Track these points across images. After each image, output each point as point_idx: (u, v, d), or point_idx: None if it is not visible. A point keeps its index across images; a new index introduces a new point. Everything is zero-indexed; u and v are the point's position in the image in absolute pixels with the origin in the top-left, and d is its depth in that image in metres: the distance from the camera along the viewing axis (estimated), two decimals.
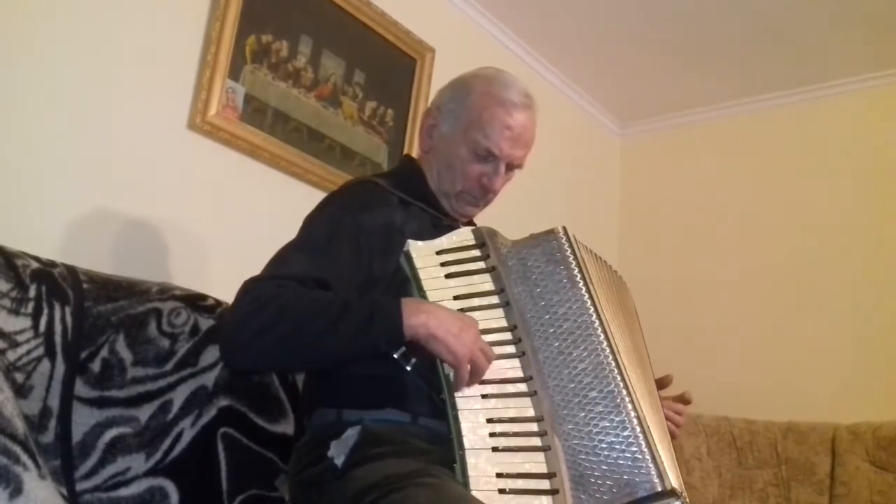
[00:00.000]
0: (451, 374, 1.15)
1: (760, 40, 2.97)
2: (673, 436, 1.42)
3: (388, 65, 2.59)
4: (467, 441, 1.13)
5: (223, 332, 1.23)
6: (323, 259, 1.23)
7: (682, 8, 2.83)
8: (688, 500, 1.18)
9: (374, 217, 1.30)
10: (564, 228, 1.31)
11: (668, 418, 1.40)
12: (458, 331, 1.12)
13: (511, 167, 1.43)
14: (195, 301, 1.59)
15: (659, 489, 1.10)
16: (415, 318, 1.13)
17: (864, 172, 3.04)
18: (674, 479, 1.14)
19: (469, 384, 1.15)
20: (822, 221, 3.09)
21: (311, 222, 1.34)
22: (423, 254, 1.27)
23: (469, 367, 1.13)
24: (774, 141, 3.32)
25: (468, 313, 1.22)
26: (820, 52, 3.00)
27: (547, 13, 2.97)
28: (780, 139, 3.31)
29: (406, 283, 1.26)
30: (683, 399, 1.48)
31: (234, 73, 2.13)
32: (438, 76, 2.66)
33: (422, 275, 1.25)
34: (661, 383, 1.44)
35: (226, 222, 2.10)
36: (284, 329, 1.13)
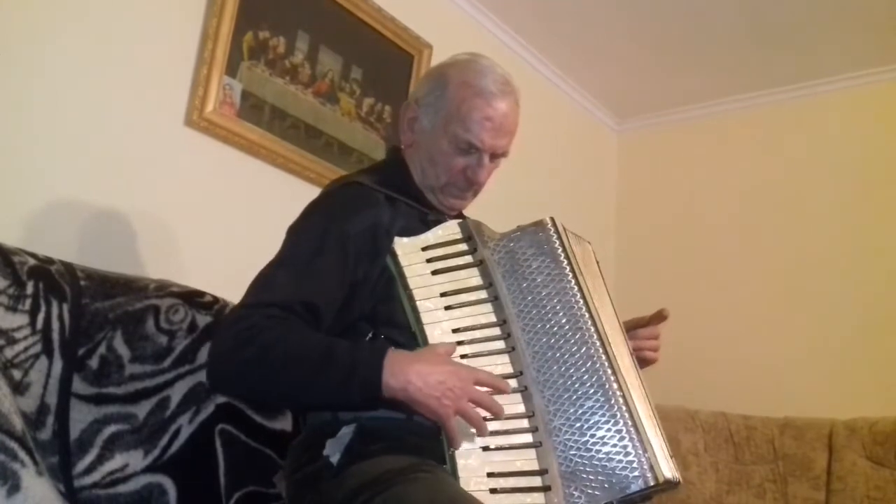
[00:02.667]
0: None
1: (758, 36, 2.97)
2: (651, 361, 1.41)
3: (386, 61, 2.59)
4: (457, 441, 1.11)
5: (208, 360, 1.22)
6: (309, 277, 1.21)
7: (679, 4, 2.83)
8: (680, 478, 1.18)
9: (361, 221, 1.27)
10: (553, 219, 1.29)
11: (642, 348, 1.39)
12: (439, 393, 1.08)
13: (496, 156, 1.40)
14: (193, 298, 1.59)
15: (651, 483, 1.10)
16: (395, 381, 1.09)
17: (862, 169, 3.04)
18: (666, 470, 1.14)
19: (477, 432, 1.11)
20: (820, 217, 3.10)
21: (296, 234, 1.31)
22: (407, 251, 1.25)
23: (453, 422, 1.09)
24: (772, 137, 3.32)
25: (456, 310, 1.20)
26: (818, 48, 3.00)
27: (544, 9, 2.96)
28: (777, 135, 3.31)
29: (392, 281, 1.24)
30: (660, 316, 1.43)
31: (231, 69, 2.12)
32: None
33: (407, 272, 1.23)
34: (640, 321, 1.43)
35: (223, 219, 2.10)
36: (265, 372, 1.13)
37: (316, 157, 2.32)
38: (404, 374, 1.09)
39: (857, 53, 3.00)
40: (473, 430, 1.11)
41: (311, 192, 2.22)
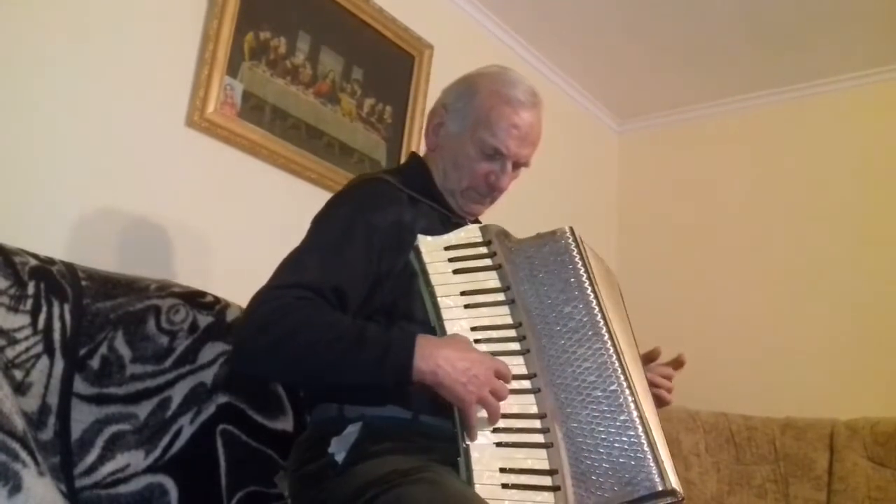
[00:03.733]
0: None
1: (758, 37, 2.97)
2: (664, 402, 1.41)
3: (387, 61, 2.59)
4: (475, 429, 1.13)
5: (236, 336, 1.25)
6: (337, 263, 1.24)
7: (680, 5, 2.83)
8: (683, 498, 1.18)
9: (386, 215, 1.31)
10: (571, 228, 1.32)
11: (657, 384, 1.39)
12: (466, 379, 1.12)
13: (517, 165, 1.44)
14: (194, 298, 1.59)
15: (660, 489, 1.10)
16: (425, 364, 1.12)
17: (862, 169, 3.05)
18: (674, 480, 1.14)
19: (488, 422, 1.14)
20: (820, 218, 3.10)
21: (323, 222, 1.34)
22: (431, 248, 1.28)
23: (475, 409, 1.12)
24: (772, 137, 3.32)
25: (474, 309, 1.23)
26: (817, 48, 3.00)
27: (545, 10, 2.97)
28: (777, 136, 3.31)
29: (413, 277, 1.26)
30: (678, 362, 1.45)
31: (233, 69, 2.12)
32: (437, 73, 2.66)
33: (430, 269, 1.26)
34: (651, 355, 1.44)
35: (224, 219, 2.09)
36: (296, 350, 1.15)
37: (317, 158, 2.32)
38: (434, 357, 1.13)
39: (857, 53, 3.00)
40: (486, 421, 1.14)
41: (312, 193, 2.24)
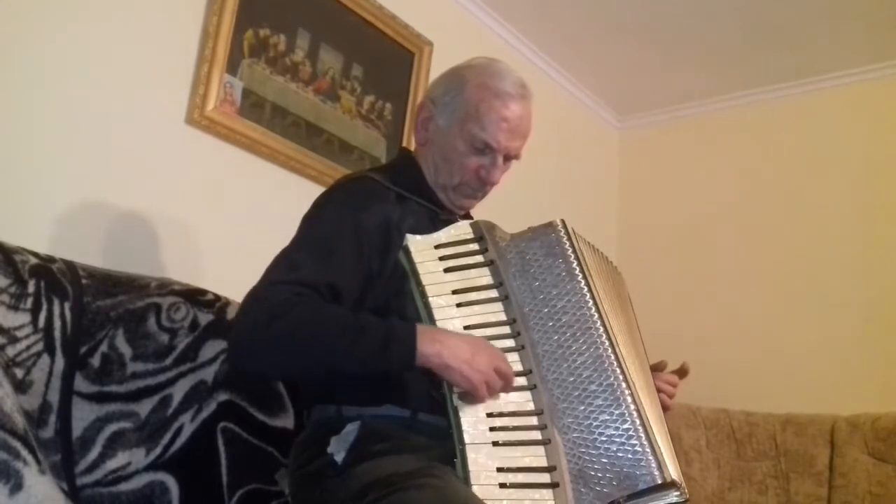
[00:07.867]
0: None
1: (759, 33, 2.97)
2: (666, 407, 1.41)
3: (387, 59, 2.59)
4: (467, 436, 1.12)
5: (234, 335, 1.22)
6: (330, 262, 1.23)
7: (680, 2, 2.83)
8: (686, 491, 1.18)
9: (373, 214, 1.30)
10: (563, 221, 1.30)
11: (660, 390, 1.39)
12: (470, 356, 1.12)
13: (508, 158, 1.42)
14: (194, 296, 1.59)
15: (659, 481, 1.10)
16: (428, 347, 1.13)
17: (864, 165, 3.04)
18: (673, 471, 1.14)
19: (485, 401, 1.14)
20: (821, 214, 3.10)
21: (312, 221, 1.33)
22: (421, 248, 1.27)
23: (485, 389, 1.13)
24: (773, 134, 3.32)
25: (467, 307, 1.22)
26: (817, 44, 3.00)
27: (545, 6, 2.96)
28: (778, 132, 3.31)
29: (404, 278, 1.25)
30: (682, 370, 1.46)
31: (232, 67, 2.12)
32: (436, 70, 2.63)
33: (420, 269, 1.24)
34: (657, 368, 1.44)
35: (224, 217, 2.10)
36: (299, 344, 1.14)
37: (317, 155, 2.32)
38: (438, 341, 1.14)
39: (856, 50, 3.00)
40: (483, 421, 1.13)
41: (312, 190, 2.23)
